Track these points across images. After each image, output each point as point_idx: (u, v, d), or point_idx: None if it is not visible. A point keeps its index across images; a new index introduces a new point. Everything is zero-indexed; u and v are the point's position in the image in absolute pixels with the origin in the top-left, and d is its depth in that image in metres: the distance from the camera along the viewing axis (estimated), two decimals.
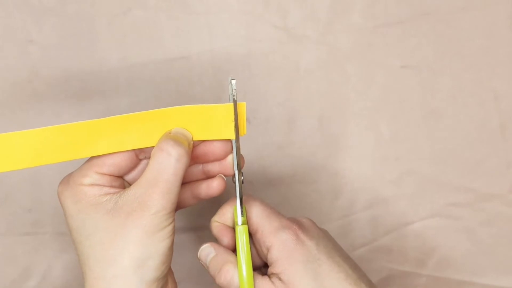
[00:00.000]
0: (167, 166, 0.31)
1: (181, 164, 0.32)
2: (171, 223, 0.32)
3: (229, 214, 0.36)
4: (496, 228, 0.51)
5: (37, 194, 0.46)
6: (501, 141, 0.50)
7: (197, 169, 0.36)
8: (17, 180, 0.46)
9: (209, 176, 0.36)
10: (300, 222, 0.36)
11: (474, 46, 0.49)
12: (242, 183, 0.35)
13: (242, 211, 0.35)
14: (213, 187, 0.35)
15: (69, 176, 0.33)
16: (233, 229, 0.36)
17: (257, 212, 0.35)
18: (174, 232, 0.32)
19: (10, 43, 0.44)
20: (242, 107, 0.35)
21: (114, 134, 0.33)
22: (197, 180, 0.36)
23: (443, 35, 0.49)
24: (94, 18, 0.45)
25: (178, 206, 0.36)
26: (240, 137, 0.35)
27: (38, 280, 0.47)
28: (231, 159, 0.35)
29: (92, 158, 0.33)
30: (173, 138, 0.32)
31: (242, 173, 0.35)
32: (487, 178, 0.51)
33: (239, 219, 0.35)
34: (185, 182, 0.36)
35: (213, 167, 0.36)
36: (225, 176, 0.36)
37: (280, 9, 0.47)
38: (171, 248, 0.32)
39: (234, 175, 0.35)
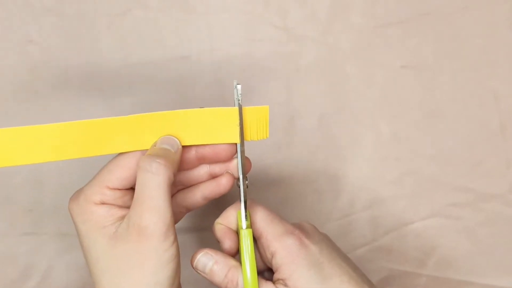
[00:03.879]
0: (148, 182, 0.31)
1: (162, 177, 0.31)
2: (172, 244, 0.31)
3: (232, 218, 0.36)
4: (496, 228, 0.51)
5: (38, 194, 0.46)
6: (501, 141, 0.50)
7: (204, 171, 0.36)
8: (17, 180, 0.46)
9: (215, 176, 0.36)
10: (303, 227, 0.36)
11: (474, 46, 0.49)
12: (247, 187, 0.35)
13: (246, 215, 0.35)
14: (223, 184, 0.35)
15: (79, 191, 0.33)
16: (236, 232, 0.36)
17: (261, 217, 0.35)
18: (178, 254, 0.32)
19: (10, 43, 0.44)
20: (265, 110, 0.35)
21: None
22: (205, 181, 0.36)
23: (443, 35, 0.49)
24: (94, 18, 0.45)
25: (188, 208, 0.37)
26: (263, 139, 0.35)
27: (38, 280, 0.47)
28: (236, 163, 0.35)
29: (102, 172, 0.33)
30: (151, 153, 0.32)
31: (246, 177, 0.35)
32: (487, 178, 0.51)
33: (243, 223, 0.34)
34: (194, 184, 0.36)
35: (220, 171, 0.36)
36: (221, 192, 0.36)
37: (280, 9, 0.47)
38: (178, 270, 0.32)
39: (238, 179, 0.35)
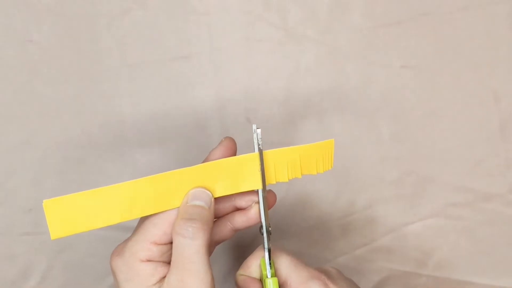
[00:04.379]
0: (187, 248, 0.31)
1: (200, 240, 0.31)
2: None
3: (254, 267, 0.36)
4: (496, 228, 0.51)
5: (37, 194, 0.46)
6: (501, 141, 0.50)
7: (229, 204, 0.36)
8: (17, 180, 0.46)
9: (240, 208, 0.36)
10: (328, 272, 0.36)
11: (474, 45, 0.49)
12: (270, 233, 0.34)
13: (270, 263, 0.34)
14: (252, 217, 0.35)
15: (123, 247, 0.33)
16: (260, 281, 0.35)
17: (285, 263, 0.35)
18: None
19: (10, 43, 0.44)
20: (331, 144, 0.36)
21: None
22: (232, 212, 0.36)
23: (443, 35, 0.49)
24: (94, 18, 0.45)
25: (218, 241, 0.36)
26: (325, 171, 0.36)
27: (38, 280, 0.47)
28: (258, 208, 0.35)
29: (146, 226, 0.33)
30: (186, 214, 0.32)
31: (269, 224, 0.35)
32: (487, 178, 0.51)
33: (268, 272, 0.34)
34: (220, 216, 0.36)
35: (246, 203, 0.35)
36: (252, 224, 0.36)
37: (280, 9, 0.47)
38: None
39: (261, 226, 0.34)
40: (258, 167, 0.34)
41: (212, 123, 0.48)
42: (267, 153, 0.34)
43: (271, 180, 0.35)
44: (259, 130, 0.33)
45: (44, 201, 0.30)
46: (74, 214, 0.31)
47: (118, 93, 0.46)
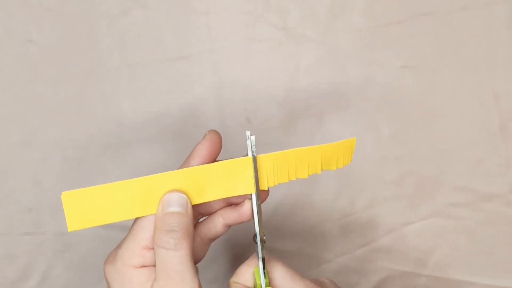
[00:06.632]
0: (171, 259, 0.30)
1: (183, 249, 0.31)
2: None
3: (248, 275, 0.35)
4: (496, 228, 0.51)
5: (37, 194, 0.46)
6: (501, 141, 0.50)
7: (222, 200, 0.35)
8: (17, 180, 0.46)
9: (232, 204, 0.35)
10: (323, 284, 0.35)
11: (474, 46, 0.49)
12: (264, 242, 0.34)
13: (264, 273, 0.34)
14: (245, 214, 0.34)
15: (115, 254, 0.32)
16: None
17: (280, 274, 0.34)
18: None
19: (10, 43, 0.44)
20: (353, 142, 0.36)
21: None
22: (224, 208, 0.36)
23: (443, 35, 0.49)
24: (94, 18, 0.45)
25: (212, 238, 0.36)
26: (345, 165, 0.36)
27: (38, 280, 0.47)
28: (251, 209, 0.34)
29: (135, 230, 0.32)
30: (164, 225, 0.31)
31: (263, 232, 0.34)
32: (487, 178, 0.51)
33: (263, 282, 0.34)
34: (212, 212, 0.36)
35: (237, 199, 0.35)
36: (244, 220, 0.35)
37: (280, 9, 0.47)
38: None
39: (255, 235, 0.34)
40: (253, 174, 0.33)
41: (212, 123, 0.48)
42: (286, 152, 0.34)
43: (292, 176, 0.35)
44: (253, 137, 0.33)
45: (62, 193, 0.30)
46: (92, 207, 0.31)
47: (118, 93, 0.46)
